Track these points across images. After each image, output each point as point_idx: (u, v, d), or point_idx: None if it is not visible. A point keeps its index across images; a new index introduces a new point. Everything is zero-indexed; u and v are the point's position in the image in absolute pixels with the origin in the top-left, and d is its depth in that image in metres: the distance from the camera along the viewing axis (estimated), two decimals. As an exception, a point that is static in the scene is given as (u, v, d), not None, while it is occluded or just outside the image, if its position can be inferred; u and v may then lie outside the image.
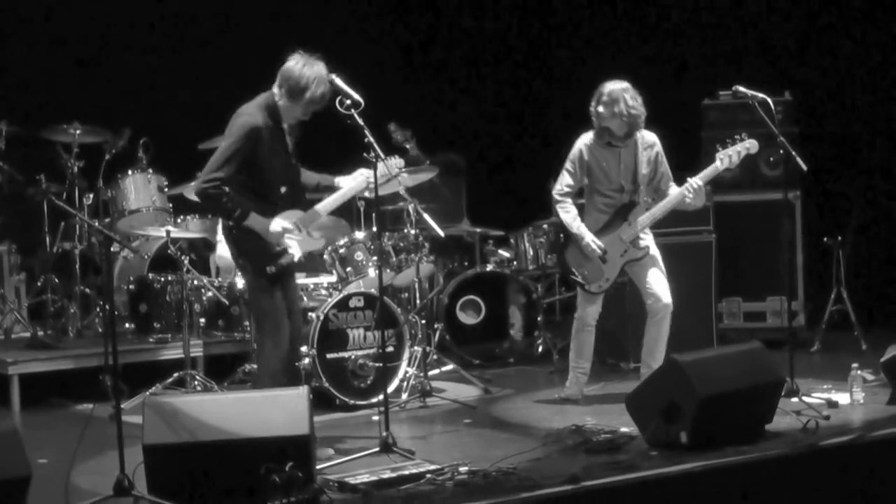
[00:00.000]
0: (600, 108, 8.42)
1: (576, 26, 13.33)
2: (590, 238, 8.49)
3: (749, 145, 8.44)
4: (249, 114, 7.23)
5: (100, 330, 9.94)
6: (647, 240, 8.63)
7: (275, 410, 6.28)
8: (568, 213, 8.59)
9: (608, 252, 8.49)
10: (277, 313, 7.32)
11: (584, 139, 8.60)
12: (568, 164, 8.61)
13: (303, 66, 7.19)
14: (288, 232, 7.24)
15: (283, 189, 7.33)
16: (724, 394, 6.92)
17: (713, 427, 6.85)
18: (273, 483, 5.77)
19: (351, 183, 7.62)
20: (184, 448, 6.15)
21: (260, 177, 7.22)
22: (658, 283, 8.55)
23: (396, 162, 7.77)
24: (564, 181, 8.60)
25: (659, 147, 8.62)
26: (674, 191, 8.54)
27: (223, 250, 9.51)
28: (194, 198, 9.41)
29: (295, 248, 7.31)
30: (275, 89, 7.28)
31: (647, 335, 8.62)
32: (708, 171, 8.46)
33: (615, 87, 8.40)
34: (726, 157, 8.43)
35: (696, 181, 8.42)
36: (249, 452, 6.04)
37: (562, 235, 8.91)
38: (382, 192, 7.97)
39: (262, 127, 7.16)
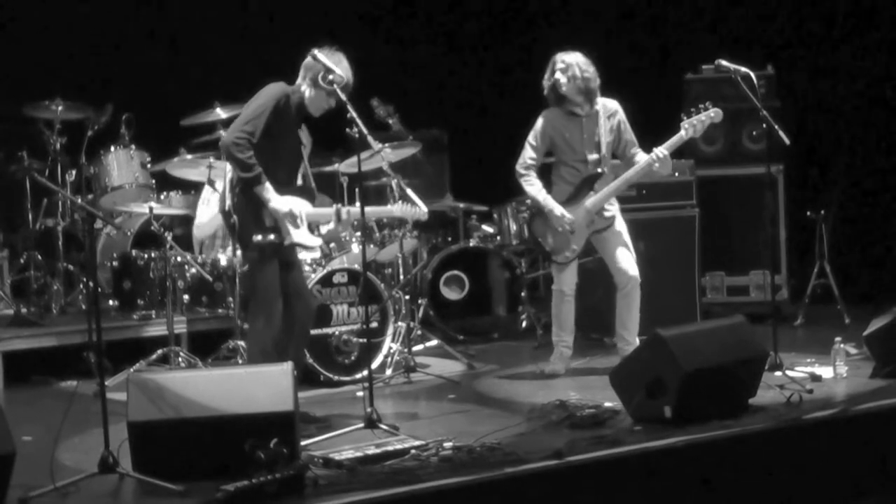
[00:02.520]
0: (557, 76, 8.54)
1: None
2: (558, 209, 8.55)
3: (713, 114, 8.42)
4: (278, 85, 7.33)
5: (83, 307, 9.91)
6: (613, 210, 8.70)
7: (259, 387, 6.28)
8: (532, 186, 8.67)
9: (575, 222, 8.54)
10: (269, 289, 7.33)
11: (546, 113, 8.71)
12: (530, 138, 8.71)
13: (325, 57, 7.26)
14: (292, 216, 7.27)
15: (283, 173, 7.36)
16: (708, 368, 6.93)
17: (697, 401, 6.87)
18: (258, 459, 5.77)
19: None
20: (168, 425, 6.15)
21: (272, 151, 7.26)
22: (624, 257, 8.64)
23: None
24: (527, 154, 8.70)
25: (622, 114, 8.70)
26: (640, 158, 8.57)
27: (200, 221, 9.48)
28: (172, 172, 9.47)
29: (286, 234, 7.32)
30: (299, 81, 7.36)
31: (619, 308, 8.72)
32: (673, 140, 8.47)
33: (567, 55, 8.57)
34: (691, 127, 8.44)
35: (661, 150, 8.42)
36: (234, 429, 6.04)
37: (526, 207, 8.95)
38: (366, 168, 7.99)
39: (288, 98, 7.27)
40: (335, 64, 7.24)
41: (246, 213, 7.26)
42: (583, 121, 8.61)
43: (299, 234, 7.41)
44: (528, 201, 10.69)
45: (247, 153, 7.08)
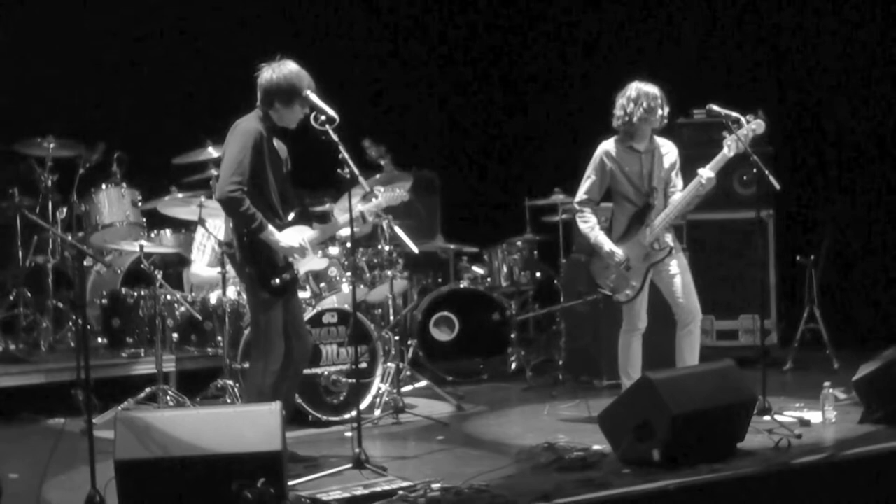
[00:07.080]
0: (650, 105, 8.31)
1: (550, 42, 13.38)
2: (608, 245, 8.41)
3: (755, 126, 8.24)
4: (248, 120, 7.29)
5: (72, 344, 9.90)
6: (669, 239, 8.47)
7: (247, 426, 6.27)
8: (586, 223, 8.49)
9: (630, 258, 8.40)
10: (271, 332, 7.35)
11: (606, 145, 8.52)
12: (590, 171, 8.52)
13: (280, 71, 7.25)
14: (303, 249, 7.30)
15: (278, 206, 7.37)
16: (697, 412, 6.93)
17: (685, 445, 6.86)
18: (245, 499, 5.76)
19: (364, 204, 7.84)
20: (156, 463, 6.12)
21: (265, 185, 7.27)
22: (686, 293, 8.45)
23: (400, 193, 7.95)
24: (584, 188, 8.52)
25: (676, 154, 8.56)
26: (678, 197, 8.43)
27: (198, 268, 9.53)
28: (163, 211, 9.47)
29: (299, 265, 7.36)
30: (261, 106, 7.32)
31: (679, 346, 8.49)
32: (717, 159, 8.26)
33: (651, 88, 8.36)
34: (734, 143, 8.23)
35: (707, 172, 8.23)
36: (221, 468, 6.03)
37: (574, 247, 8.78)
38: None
39: (261, 132, 7.21)
40: (292, 70, 7.24)
41: (259, 261, 7.27)
42: (641, 156, 8.45)
43: (309, 262, 7.51)
44: (519, 242, 10.79)
45: (245, 205, 7.06)
